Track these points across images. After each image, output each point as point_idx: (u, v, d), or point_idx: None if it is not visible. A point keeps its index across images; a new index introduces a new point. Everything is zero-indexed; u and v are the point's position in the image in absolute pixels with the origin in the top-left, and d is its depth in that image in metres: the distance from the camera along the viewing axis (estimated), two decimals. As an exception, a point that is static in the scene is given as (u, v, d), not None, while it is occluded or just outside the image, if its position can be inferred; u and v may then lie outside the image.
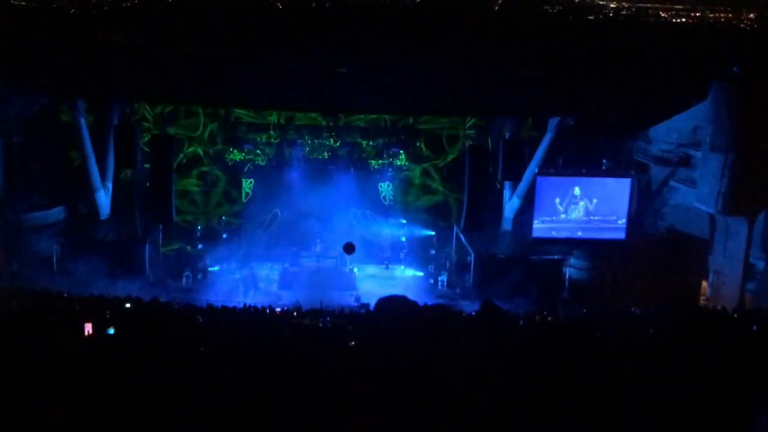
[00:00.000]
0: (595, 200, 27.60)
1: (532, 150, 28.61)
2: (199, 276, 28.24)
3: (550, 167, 27.92)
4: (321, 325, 16.64)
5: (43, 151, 28.00)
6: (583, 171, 27.95)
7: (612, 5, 27.77)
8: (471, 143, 29.75)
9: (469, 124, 30.56)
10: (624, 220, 27.60)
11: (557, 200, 27.59)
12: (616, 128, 27.86)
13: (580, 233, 27.72)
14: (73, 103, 27.06)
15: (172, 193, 28.39)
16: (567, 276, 27.69)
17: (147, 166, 29.07)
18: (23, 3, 23.97)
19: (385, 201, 31.22)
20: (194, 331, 13.92)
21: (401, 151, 30.31)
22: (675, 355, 6.92)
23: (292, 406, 6.16)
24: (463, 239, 28.80)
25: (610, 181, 27.84)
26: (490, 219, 29.21)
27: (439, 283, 28.34)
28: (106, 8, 25.91)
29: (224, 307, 18.68)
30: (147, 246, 27.24)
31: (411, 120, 30.44)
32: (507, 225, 29.45)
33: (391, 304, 6.97)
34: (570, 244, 27.73)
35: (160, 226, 28.75)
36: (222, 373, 6.66)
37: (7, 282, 22.19)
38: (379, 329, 6.73)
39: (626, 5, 27.71)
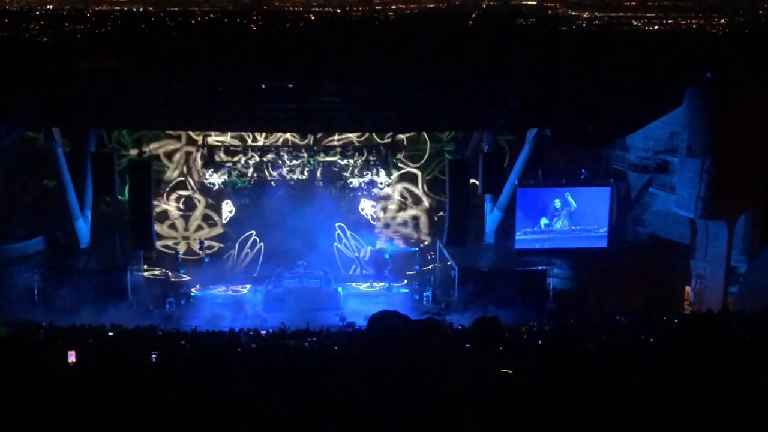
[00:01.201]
0: (575, 210, 27.69)
1: (512, 162, 28.70)
2: (183, 301, 27.99)
3: (529, 179, 28.00)
4: (307, 345, 16.57)
5: (20, 181, 27.78)
6: (563, 181, 28.06)
7: (585, 15, 28.07)
8: (450, 158, 29.77)
9: (448, 138, 30.57)
10: (605, 229, 27.70)
11: (539, 214, 27.68)
12: (594, 138, 28.01)
13: (561, 243, 27.80)
14: (49, 132, 26.86)
15: (152, 219, 28.17)
16: (551, 286, 27.73)
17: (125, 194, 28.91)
18: (-4, 34, 23.90)
19: (367, 218, 31.15)
20: (179, 357, 13.78)
21: (381, 168, 30.27)
22: (668, 361, 6.90)
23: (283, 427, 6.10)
24: (446, 254, 28.78)
25: (590, 191, 27.96)
26: (472, 232, 29.21)
27: (425, 299, 28.27)
28: (79, 36, 25.86)
29: (209, 332, 18.58)
30: (128, 273, 27.01)
31: (390, 136, 30.42)
32: (489, 238, 29.50)
33: (385, 319, 6.90)
34: (553, 255, 27.80)
35: (141, 252, 28.53)
36: (210, 398, 6.58)
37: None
38: (375, 345, 6.65)
39: (599, 15, 28.03)
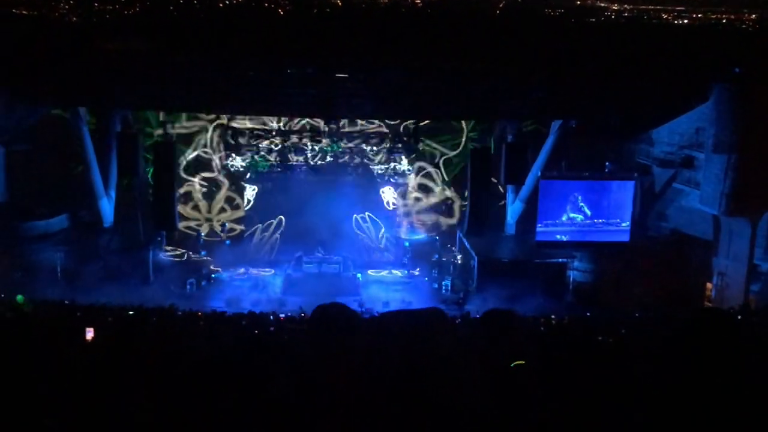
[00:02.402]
0: (598, 203, 27.57)
1: (535, 153, 28.59)
2: (203, 283, 28.21)
3: (552, 170, 27.89)
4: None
5: (45, 160, 28.03)
6: (586, 174, 27.91)
7: (614, 7, 27.77)
8: (473, 147, 29.71)
9: (471, 127, 30.50)
10: (628, 223, 27.54)
11: (562, 206, 27.58)
12: (619, 131, 27.83)
13: (583, 237, 27.68)
14: (75, 112, 27.10)
15: (175, 200, 28.38)
16: (571, 279, 27.64)
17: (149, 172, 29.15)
18: (25, 12, 24.04)
19: (388, 205, 31.18)
20: (197, 338, 13.90)
21: (403, 155, 30.27)
22: (685, 358, 6.86)
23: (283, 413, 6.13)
24: (466, 243, 28.75)
25: (614, 184, 27.80)
26: (493, 223, 29.16)
27: (443, 288, 28.27)
28: (107, 17, 25.98)
29: (226, 314, 18.71)
30: (150, 253, 27.23)
31: (413, 124, 30.40)
32: (510, 229, 29.44)
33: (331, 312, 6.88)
34: (574, 248, 27.68)
35: (164, 233, 28.74)
36: (224, 379, 6.63)
37: (9, 291, 22.16)
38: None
39: (628, 7, 27.71)
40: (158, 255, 28.10)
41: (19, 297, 18.95)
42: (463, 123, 30.41)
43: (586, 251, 27.58)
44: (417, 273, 29.95)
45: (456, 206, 31.21)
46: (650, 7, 27.96)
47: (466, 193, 29.97)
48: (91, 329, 11.32)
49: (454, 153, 30.80)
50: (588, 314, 23.44)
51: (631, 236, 27.58)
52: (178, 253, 29.62)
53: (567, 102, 26.69)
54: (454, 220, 31.13)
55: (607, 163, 28.25)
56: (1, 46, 23.91)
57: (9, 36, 23.98)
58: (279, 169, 29.98)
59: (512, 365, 6.33)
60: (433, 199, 31.31)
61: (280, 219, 30.53)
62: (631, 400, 6.38)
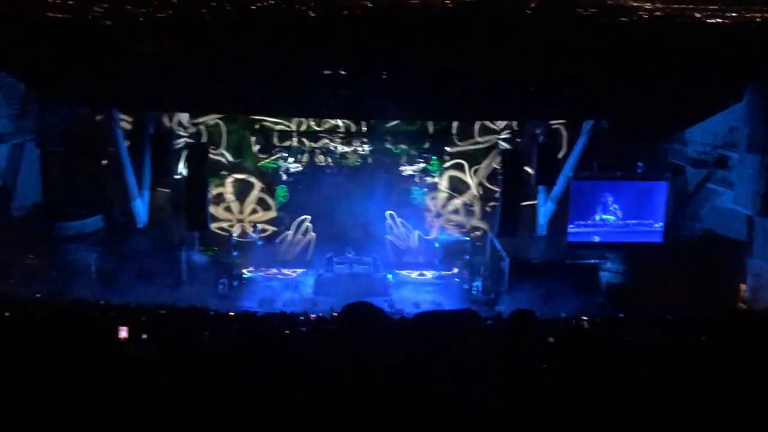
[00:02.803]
0: (630, 204, 27.39)
1: (567, 153, 28.45)
2: (235, 283, 28.41)
3: (584, 171, 27.73)
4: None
5: (80, 161, 28.42)
6: (619, 174, 27.72)
7: (646, 6, 27.54)
8: (504, 147, 29.63)
9: (503, 127, 30.41)
10: (661, 224, 27.31)
11: (594, 207, 27.45)
12: (651, 131, 27.59)
13: (616, 238, 27.51)
14: (110, 113, 27.45)
15: (207, 201, 28.61)
16: (603, 280, 27.44)
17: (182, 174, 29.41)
18: (59, 15, 24.35)
19: (418, 206, 31.18)
20: (228, 337, 14.02)
21: (433, 156, 30.26)
22: (719, 360, 6.82)
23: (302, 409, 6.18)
24: (497, 244, 28.66)
25: (646, 185, 27.59)
26: (524, 223, 29.05)
27: (474, 289, 28.20)
28: (141, 19, 26.25)
29: (257, 314, 18.83)
30: (183, 253, 27.47)
31: (443, 124, 30.38)
32: (542, 230, 29.30)
33: (360, 311, 6.92)
34: (606, 249, 27.49)
35: (196, 234, 28.99)
36: (252, 379, 6.70)
37: (45, 290, 22.50)
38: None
39: (660, 6, 27.46)
40: (190, 255, 28.31)
41: None
42: (478, 123, 30.34)
43: (618, 253, 27.38)
44: (447, 274, 29.90)
45: (482, 207, 31.11)
46: (683, 5, 27.68)
47: (496, 194, 29.91)
48: (125, 328, 11.45)
49: (469, 151, 30.72)
50: (620, 316, 23.26)
51: (664, 237, 27.34)
52: (210, 253, 29.82)
53: (599, 102, 26.52)
54: (483, 221, 31.02)
55: (639, 164, 28.00)
56: (36, 49, 24.28)
57: (44, 39, 24.32)
58: (310, 170, 30.13)
59: (542, 366, 6.33)
60: (463, 200, 31.24)
61: (311, 220, 30.65)
62: (662, 402, 6.34)
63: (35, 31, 24.57)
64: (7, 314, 14.11)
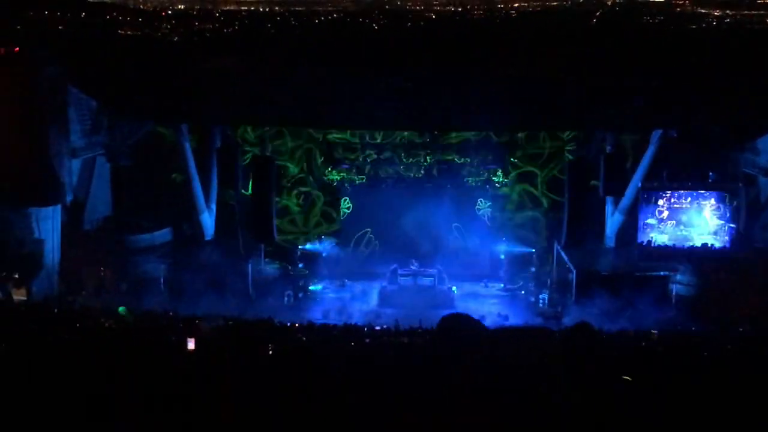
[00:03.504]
0: (702, 212, 26.84)
1: (635, 163, 27.97)
2: (300, 295, 28.53)
3: (653, 181, 27.22)
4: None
5: (149, 175, 28.97)
6: (689, 184, 27.14)
7: (715, 14, 26.98)
8: (571, 158, 29.24)
9: (569, 137, 30.02)
10: (732, 233, 26.72)
11: (663, 214, 26.97)
12: (722, 140, 26.95)
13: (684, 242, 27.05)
14: (177, 128, 27.93)
15: (273, 214, 28.85)
16: (673, 293, 26.79)
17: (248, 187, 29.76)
18: (129, 32, 24.93)
19: (483, 218, 30.95)
20: (295, 348, 14.06)
21: (498, 168, 30.01)
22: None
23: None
24: (564, 256, 28.22)
25: (717, 194, 27.00)
26: (591, 235, 28.59)
27: (540, 301, 27.79)
28: (207, 35, 26.71)
29: (324, 325, 18.85)
30: (249, 265, 27.71)
31: (508, 135, 30.13)
32: (610, 241, 28.79)
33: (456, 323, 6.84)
34: (677, 258, 26.87)
35: (262, 246, 29.22)
36: (321, 386, 6.68)
37: (116, 301, 22.92)
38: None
39: (730, 13, 26.88)
40: (257, 267, 28.55)
41: (121, 309, 19.50)
42: (544, 133, 30.00)
43: (689, 264, 26.73)
44: (513, 286, 29.55)
45: (548, 218, 30.74)
46: (754, 12, 27.04)
47: (562, 205, 29.53)
48: (193, 340, 11.55)
49: (535, 165, 30.45)
50: (692, 329, 22.68)
51: (736, 247, 26.69)
52: (275, 265, 30.03)
53: (667, 111, 26.01)
54: (549, 233, 30.62)
55: (710, 173, 27.36)
56: (107, 65, 24.87)
57: (115, 56, 24.91)
58: (373, 182, 30.18)
59: (624, 378, 6.19)
60: (529, 212, 30.91)
61: (375, 232, 30.67)
62: (735, 416, 6.15)
63: (106, 49, 25.19)
64: (78, 325, 14.40)
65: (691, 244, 27.30)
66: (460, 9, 27.83)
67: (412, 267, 29.18)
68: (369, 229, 30.67)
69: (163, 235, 28.10)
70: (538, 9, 27.49)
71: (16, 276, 23.03)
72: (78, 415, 6.30)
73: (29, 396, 6.72)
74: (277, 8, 27.17)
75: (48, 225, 24.47)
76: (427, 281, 28.89)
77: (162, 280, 26.58)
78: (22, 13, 24.19)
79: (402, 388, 6.72)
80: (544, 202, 30.74)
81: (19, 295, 22.48)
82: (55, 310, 19.97)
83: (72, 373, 7.14)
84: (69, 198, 25.60)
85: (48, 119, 24.36)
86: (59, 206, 24.94)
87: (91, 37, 25.06)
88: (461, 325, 6.83)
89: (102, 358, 7.82)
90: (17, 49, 23.60)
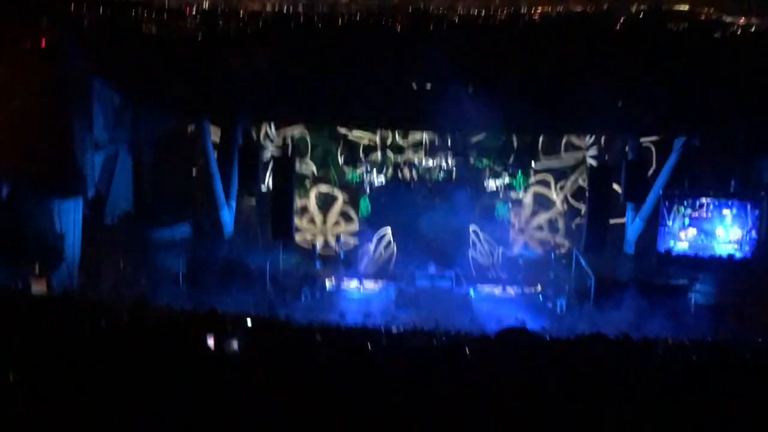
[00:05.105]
0: (724, 221, 26.63)
1: (656, 171, 27.83)
2: (318, 294, 28.59)
3: (675, 189, 27.08)
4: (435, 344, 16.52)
5: (170, 170, 29.14)
6: (711, 192, 26.96)
7: (740, 22, 26.76)
8: (592, 163, 29.15)
9: (590, 143, 29.94)
10: (754, 243, 26.50)
11: (684, 221, 26.80)
12: (746, 148, 26.74)
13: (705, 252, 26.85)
14: (200, 124, 28.08)
15: (293, 212, 28.96)
16: (693, 302, 26.63)
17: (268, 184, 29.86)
18: (154, 29, 25.06)
19: (502, 221, 30.90)
20: (312, 348, 14.05)
21: (518, 171, 29.93)
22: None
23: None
24: (582, 262, 28.14)
25: (739, 203, 26.80)
26: (611, 241, 28.48)
27: (558, 307, 27.70)
28: (232, 34, 26.81)
29: (340, 326, 18.85)
30: (268, 263, 27.80)
31: (529, 139, 30.07)
32: (629, 248, 28.66)
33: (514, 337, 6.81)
34: (697, 267, 26.71)
35: (280, 244, 29.34)
36: (336, 391, 6.68)
37: (136, 297, 23.02)
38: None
39: (755, 21, 26.65)
40: (275, 266, 28.65)
41: None
42: (565, 137, 29.96)
43: (709, 273, 26.56)
44: (531, 291, 29.48)
45: (567, 224, 30.67)
46: (781, 19, 26.81)
47: (582, 210, 29.47)
48: (212, 336, 11.56)
49: (555, 169, 30.34)
50: (710, 338, 22.54)
51: (758, 257, 26.47)
52: (293, 264, 30.10)
53: (691, 118, 25.87)
54: (568, 238, 30.57)
55: (732, 182, 27.17)
56: (131, 61, 25.02)
57: (137, 52, 25.05)
58: (393, 183, 30.20)
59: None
60: (548, 216, 30.86)
61: (393, 233, 30.69)
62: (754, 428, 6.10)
63: (131, 45, 25.33)
64: (99, 317, 14.46)
65: (712, 253, 27.05)
66: (483, 12, 27.76)
67: (429, 269, 29.20)
68: (388, 230, 30.69)
69: (182, 230, 28.26)
70: (562, 14, 27.32)
71: (37, 269, 23.16)
72: (97, 410, 6.33)
73: (48, 390, 6.76)
74: (300, 8, 27.20)
75: (69, 218, 24.58)
76: (444, 284, 28.90)
77: (181, 275, 26.72)
78: (48, 7, 24.35)
79: (420, 391, 6.70)
80: (563, 207, 30.65)
81: (39, 288, 22.61)
82: (74, 304, 20.07)
83: (92, 367, 7.17)
84: (91, 192, 25.74)
85: (72, 112, 24.54)
86: (81, 200, 25.08)
87: (116, 33, 25.21)
88: (520, 339, 6.77)
89: (121, 352, 7.85)
90: (43, 42, 23.77)
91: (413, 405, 6.27)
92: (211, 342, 11.60)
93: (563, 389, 5.95)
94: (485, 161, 30.06)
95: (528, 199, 30.78)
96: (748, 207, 26.64)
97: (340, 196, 31.14)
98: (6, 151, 23.50)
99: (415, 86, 25.85)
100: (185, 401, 6.61)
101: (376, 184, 30.31)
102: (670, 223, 27.00)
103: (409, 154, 30.35)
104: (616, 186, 28.59)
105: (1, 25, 22.90)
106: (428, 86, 25.94)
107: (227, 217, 28.77)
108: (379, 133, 30.34)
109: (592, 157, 29.79)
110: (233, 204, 29.04)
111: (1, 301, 14.87)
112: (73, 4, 25.33)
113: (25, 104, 23.30)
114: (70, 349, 8.34)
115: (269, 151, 30.41)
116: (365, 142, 30.48)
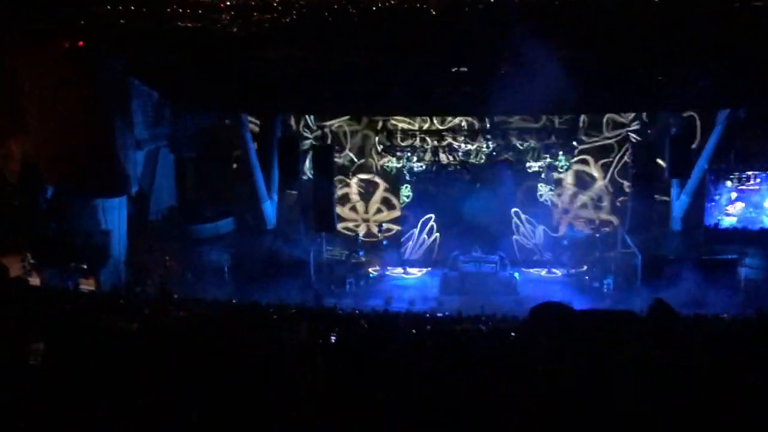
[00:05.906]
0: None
1: (701, 145, 27.34)
2: (362, 282, 28.67)
3: (720, 163, 26.57)
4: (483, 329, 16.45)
5: (211, 165, 29.34)
6: (758, 165, 26.41)
7: (784, -12, 26.09)
8: (635, 140, 28.72)
9: (632, 119, 29.48)
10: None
11: (731, 195, 26.32)
12: (793, 118, 26.14)
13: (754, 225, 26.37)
14: (239, 118, 28.21)
15: (334, 202, 29.02)
16: (743, 276, 26.15)
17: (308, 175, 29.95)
18: (189, 24, 25.12)
19: (545, 203, 30.62)
20: (359, 336, 14.07)
21: (560, 152, 29.58)
22: None
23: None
24: (628, 240, 27.79)
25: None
26: (657, 218, 28.08)
27: (605, 286, 27.39)
28: (266, 25, 26.80)
29: (387, 312, 18.86)
30: (311, 254, 27.91)
31: (570, 118, 29.68)
32: (676, 224, 28.22)
33: (549, 312, 6.70)
34: (746, 240, 26.20)
35: (323, 234, 29.41)
36: (386, 376, 6.65)
37: (182, 292, 23.25)
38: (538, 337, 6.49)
39: (801, -14, 25.97)
40: (318, 256, 28.75)
41: None
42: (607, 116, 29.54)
43: (759, 247, 26.06)
44: (576, 271, 29.20)
45: (612, 202, 30.28)
46: (826, -16, 26.05)
47: (626, 188, 29.09)
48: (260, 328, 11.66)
49: (598, 146, 29.95)
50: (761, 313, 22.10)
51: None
52: (337, 253, 30.20)
53: (735, 90, 25.30)
54: (613, 216, 30.20)
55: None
56: (168, 58, 25.17)
57: (175, 48, 25.18)
58: (433, 169, 30.04)
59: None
60: (591, 195, 30.51)
61: (435, 219, 30.60)
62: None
63: (166, 41, 25.46)
64: (146, 314, 14.64)
65: (761, 226, 26.51)
66: (519, -7, 27.39)
67: (474, 253, 29.06)
68: (430, 216, 30.61)
69: (226, 224, 28.48)
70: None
71: (85, 267, 23.50)
72: (145, 406, 6.37)
73: (96, 386, 6.82)
74: (334, -4, 27.12)
75: (114, 216, 24.91)
76: (488, 267, 28.75)
77: (225, 269, 26.93)
78: (86, 8, 24.56)
79: (465, 376, 6.63)
80: (607, 185, 30.26)
81: (87, 286, 22.94)
82: (122, 300, 20.33)
83: (140, 363, 7.23)
84: (134, 189, 26.03)
85: (112, 112, 24.80)
86: (125, 198, 25.38)
87: (152, 30, 25.35)
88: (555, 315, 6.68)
89: (171, 348, 7.91)
90: (81, 43, 24.01)
91: (460, 389, 6.22)
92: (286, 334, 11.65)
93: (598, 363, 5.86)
94: (526, 143, 29.74)
95: (570, 178, 30.44)
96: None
97: (381, 184, 31.10)
98: (51, 154, 23.88)
99: (451, 71, 25.60)
100: (240, 393, 6.63)
101: (415, 169, 30.15)
102: (717, 197, 26.51)
103: (448, 138, 30.16)
104: (660, 161, 28.14)
105: (38, 32, 23.17)
106: (463, 70, 25.66)
107: (269, 209, 28.91)
108: (418, 119, 30.17)
109: (635, 131, 29.32)
110: (275, 197, 29.16)
111: (52, 299, 15.10)
112: (108, 5, 25.54)
113: (66, 108, 23.59)
114: (119, 343, 8.45)
115: (308, 141, 30.45)
116: (404, 126, 30.32)
